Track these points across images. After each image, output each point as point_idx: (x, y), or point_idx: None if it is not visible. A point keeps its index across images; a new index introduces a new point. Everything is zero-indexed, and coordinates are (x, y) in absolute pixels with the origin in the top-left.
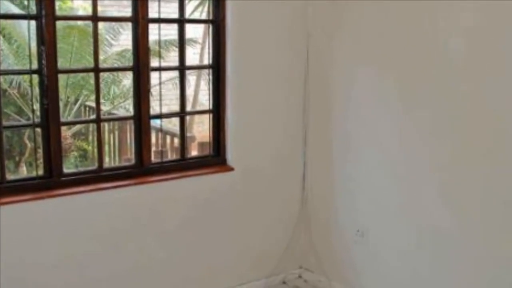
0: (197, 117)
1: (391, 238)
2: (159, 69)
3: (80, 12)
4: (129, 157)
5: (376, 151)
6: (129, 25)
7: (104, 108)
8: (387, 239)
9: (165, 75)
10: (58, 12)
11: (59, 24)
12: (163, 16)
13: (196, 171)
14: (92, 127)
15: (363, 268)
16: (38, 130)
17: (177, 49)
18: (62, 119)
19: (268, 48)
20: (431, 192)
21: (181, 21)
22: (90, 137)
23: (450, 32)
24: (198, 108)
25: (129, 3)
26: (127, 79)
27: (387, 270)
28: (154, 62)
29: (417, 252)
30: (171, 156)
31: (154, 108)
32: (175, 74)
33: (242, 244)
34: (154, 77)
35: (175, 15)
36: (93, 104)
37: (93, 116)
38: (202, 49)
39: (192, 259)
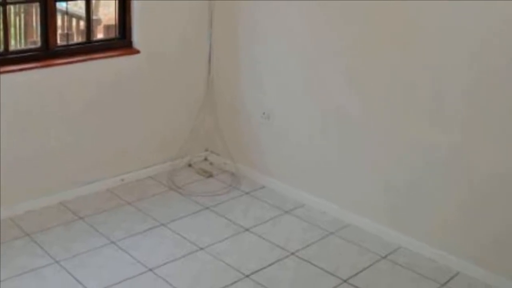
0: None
1: (297, 120)
2: None
3: None
4: (35, 40)
5: (283, 35)
6: None
7: None
8: (292, 121)
9: None
10: None
11: None
12: None
13: (102, 54)
14: None
15: (268, 150)
16: None
17: None
18: None
19: None
20: (337, 76)
21: None
22: None
23: None
24: None
25: None
26: None
27: (292, 153)
28: None
29: (322, 135)
30: (77, 39)
31: None
32: None
33: (148, 128)
34: None
35: None
36: None
37: None
38: None
39: (98, 142)
